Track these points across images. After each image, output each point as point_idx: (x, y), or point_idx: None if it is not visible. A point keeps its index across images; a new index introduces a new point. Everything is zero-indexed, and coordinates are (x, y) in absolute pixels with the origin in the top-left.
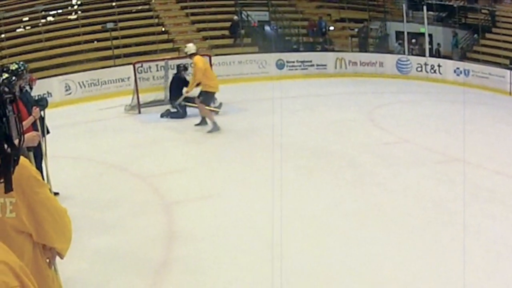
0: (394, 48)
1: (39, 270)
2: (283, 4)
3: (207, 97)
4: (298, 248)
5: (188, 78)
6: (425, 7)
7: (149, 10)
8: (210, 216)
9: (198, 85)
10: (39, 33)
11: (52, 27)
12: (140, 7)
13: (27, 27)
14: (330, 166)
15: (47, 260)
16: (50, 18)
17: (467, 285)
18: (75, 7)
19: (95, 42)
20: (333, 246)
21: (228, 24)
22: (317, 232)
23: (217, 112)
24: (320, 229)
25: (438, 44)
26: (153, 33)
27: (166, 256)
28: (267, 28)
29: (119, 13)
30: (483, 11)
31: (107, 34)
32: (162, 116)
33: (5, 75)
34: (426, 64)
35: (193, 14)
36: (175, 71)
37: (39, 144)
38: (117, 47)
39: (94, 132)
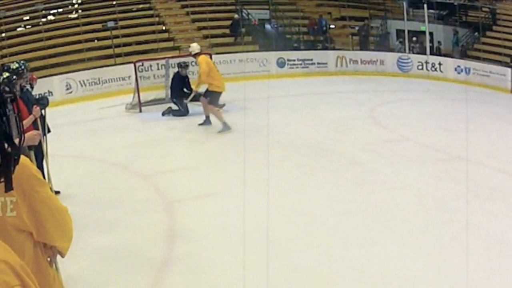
0: (394, 46)
1: (40, 269)
2: (284, 3)
3: (213, 97)
4: (299, 246)
5: (189, 75)
6: (425, 5)
7: (149, 8)
8: (211, 215)
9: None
10: (40, 32)
11: (53, 26)
12: (140, 6)
13: (28, 26)
14: (331, 165)
15: (48, 259)
16: (50, 17)
17: (468, 283)
18: (76, 6)
19: (96, 41)
20: (334, 245)
21: (228, 22)
22: (317, 230)
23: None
24: (320, 228)
25: (439, 42)
26: (153, 32)
27: (167, 254)
28: (267, 26)
29: (120, 12)
30: (483, 9)
31: (107, 33)
32: (163, 114)
33: (6, 74)
34: (427, 62)
35: (193, 12)
36: (176, 69)
37: (40, 143)
38: (118, 45)
39: (95, 131)
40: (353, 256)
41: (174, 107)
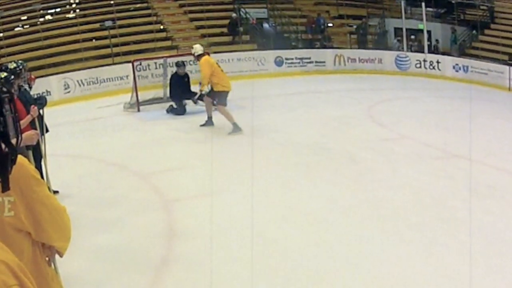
0: (393, 45)
1: (39, 268)
2: (282, 1)
3: (221, 97)
4: (298, 245)
5: (188, 74)
6: (423, 4)
7: (147, 8)
8: (210, 214)
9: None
10: (38, 31)
11: (51, 26)
12: (138, 5)
13: (26, 26)
14: (329, 163)
15: (47, 259)
16: (48, 17)
17: (466, 281)
18: (73, 5)
19: (94, 40)
20: (333, 243)
21: (226, 21)
22: (316, 228)
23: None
24: (319, 226)
25: (437, 40)
26: (151, 31)
27: (166, 253)
28: (265, 25)
29: (118, 11)
30: (481, 7)
31: (105, 33)
32: (167, 111)
33: (4, 74)
34: (425, 61)
35: (191, 11)
36: (173, 68)
37: (38, 143)
38: (116, 45)
39: (93, 131)
40: (351, 254)
41: (176, 105)
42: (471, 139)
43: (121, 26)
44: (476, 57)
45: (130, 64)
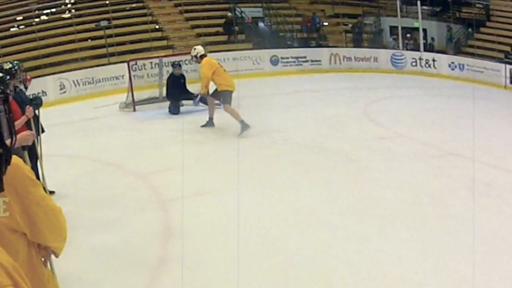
0: (388, 43)
1: (34, 269)
2: (277, 1)
3: (225, 96)
4: (295, 243)
5: (185, 73)
6: (419, 2)
7: (143, 7)
8: (207, 213)
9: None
10: (33, 32)
11: (46, 26)
12: (134, 5)
13: (21, 26)
14: (326, 162)
15: (42, 259)
16: (44, 17)
17: (464, 278)
18: (69, 5)
19: (89, 40)
20: (330, 241)
21: (222, 21)
22: (313, 227)
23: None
24: (316, 225)
25: (432, 38)
26: (147, 31)
27: (163, 253)
28: (261, 24)
29: (113, 11)
30: (477, 5)
31: (101, 32)
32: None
33: None
34: (420, 59)
35: (187, 11)
36: (169, 68)
37: (34, 143)
38: (111, 45)
39: (89, 131)
40: (349, 253)
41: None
42: (468, 137)
43: (116, 26)
44: (472, 55)
45: (126, 64)
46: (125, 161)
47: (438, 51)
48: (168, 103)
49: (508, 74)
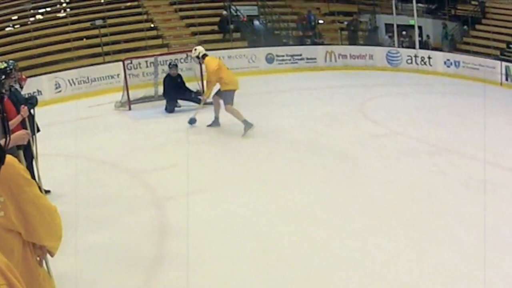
0: (384, 41)
1: (30, 268)
2: None
3: (227, 96)
4: (291, 241)
5: (181, 73)
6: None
7: (138, 6)
8: (202, 211)
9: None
10: (28, 31)
11: (41, 25)
12: (129, 4)
13: (16, 26)
14: (322, 159)
15: (38, 258)
16: (39, 16)
17: (460, 274)
18: (64, 4)
19: (84, 39)
20: (326, 238)
21: (217, 19)
22: (309, 224)
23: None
24: (312, 222)
25: (428, 36)
26: (142, 30)
27: (158, 251)
28: (256, 22)
29: (108, 10)
30: (472, 2)
31: (96, 31)
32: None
33: None
34: (416, 56)
35: (182, 9)
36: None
37: (29, 143)
38: (106, 44)
39: (84, 130)
40: (344, 249)
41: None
42: (463, 134)
43: (111, 25)
44: (468, 52)
45: (121, 63)
46: (121, 160)
47: (433, 49)
48: (164, 102)
49: (503, 71)
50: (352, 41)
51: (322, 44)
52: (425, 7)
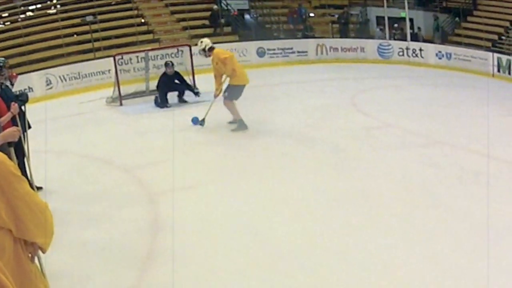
0: (375, 33)
1: (21, 265)
2: None
3: (237, 91)
4: (283, 235)
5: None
6: None
7: (128, 1)
8: (195, 206)
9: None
10: (19, 28)
11: (32, 22)
12: None
13: (7, 23)
14: (314, 152)
15: (29, 255)
16: (29, 13)
17: (454, 267)
18: (54, 1)
19: (75, 35)
20: (319, 231)
21: (207, 13)
22: (302, 218)
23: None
24: (304, 215)
25: (419, 28)
26: (132, 25)
27: (152, 246)
28: (247, 16)
29: (98, 6)
30: None
31: (86, 27)
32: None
33: None
34: (407, 49)
35: (172, 4)
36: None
37: (20, 140)
38: (97, 40)
39: (76, 126)
40: (337, 242)
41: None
42: (456, 125)
43: (102, 21)
44: (459, 44)
45: (112, 59)
46: (113, 156)
47: (425, 41)
48: (150, 97)
49: (495, 63)
50: (343, 34)
51: (313, 37)
52: None
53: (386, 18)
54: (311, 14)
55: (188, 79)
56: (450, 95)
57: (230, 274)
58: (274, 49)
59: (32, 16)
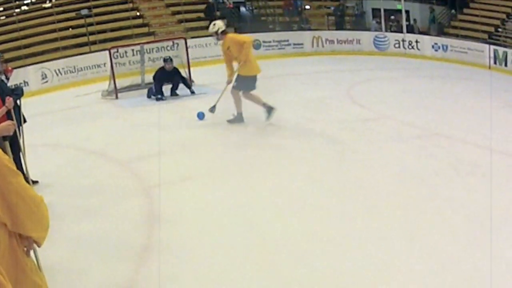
0: (371, 26)
1: (16, 259)
2: None
3: (251, 82)
4: (280, 227)
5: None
6: None
7: None
8: (191, 199)
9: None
10: (14, 22)
11: (27, 16)
12: None
13: (2, 17)
14: (310, 145)
15: (25, 249)
16: (24, 7)
17: (450, 258)
18: None
19: (70, 29)
20: (316, 224)
21: (203, 6)
22: (299, 210)
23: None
24: (301, 207)
25: (415, 20)
26: (128, 18)
27: (148, 240)
28: (242, 9)
29: None
30: None
31: (82, 21)
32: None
33: None
34: (403, 41)
35: None
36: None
37: (16, 134)
38: (92, 33)
39: (72, 119)
40: (334, 234)
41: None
42: (452, 117)
43: (97, 14)
44: (456, 36)
45: (107, 52)
46: (109, 149)
47: (421, 33)
48: (145, 91)
49: (492, 55)
50: (339, 26)
51: (309, 29)
52: None
53: (382, 10)
54: (307, 7)
55: (183, 71)
56: (446, 87)
57: (226, 266)
58: (270, 42)
59: (27, 10)
